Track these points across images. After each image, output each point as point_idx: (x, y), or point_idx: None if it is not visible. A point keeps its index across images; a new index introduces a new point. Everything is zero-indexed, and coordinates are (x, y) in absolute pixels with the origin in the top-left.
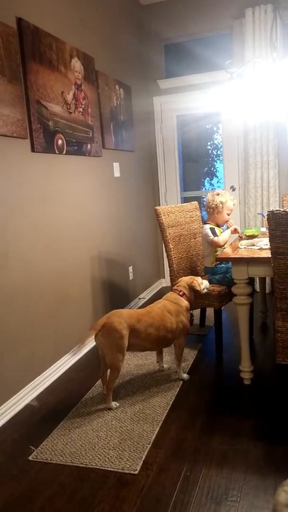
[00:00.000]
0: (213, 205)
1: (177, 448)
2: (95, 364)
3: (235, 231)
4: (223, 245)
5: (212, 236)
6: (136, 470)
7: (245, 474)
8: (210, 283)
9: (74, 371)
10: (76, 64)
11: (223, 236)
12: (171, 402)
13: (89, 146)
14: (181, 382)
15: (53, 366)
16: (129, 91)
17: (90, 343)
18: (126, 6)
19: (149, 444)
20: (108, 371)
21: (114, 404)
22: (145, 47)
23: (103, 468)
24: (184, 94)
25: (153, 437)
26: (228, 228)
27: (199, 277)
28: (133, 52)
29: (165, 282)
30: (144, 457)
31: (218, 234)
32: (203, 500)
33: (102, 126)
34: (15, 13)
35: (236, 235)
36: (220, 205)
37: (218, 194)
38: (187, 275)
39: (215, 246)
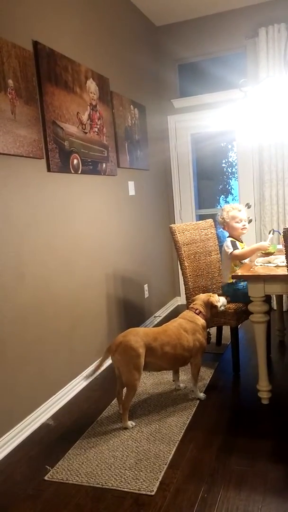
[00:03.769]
0: (221, 221)
1: (194, 469)
2: (111, 382)
3: (261, 247)
4: (242, 260)
5: (231, 249)
6: (153, 491)
7: (264, 496)
8: (227, 300)
9: (90, 389)
10: (91, 85)
11: (244, 250)
12: (188, 421)
13: (104, 165)
14: (198, 401)
15: (69, 384)
16: (143, 110)
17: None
18: (140, 27)
19: (165, 464)
20: (124, 390)
21: (130, 423)
22: (160, 67)
23: (120, 488)
24: (198, 113)
25: (170, 457)
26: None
27: (216, 295)
28: (147, 72)
29: (181, 300)
30: (160, 477)
31: (239, 248)
32: None
33: (117, 145)
34: (31, 37)
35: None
36: (226, 218)
37: (222, 209)
38: (202, 293)
39: (234, 259)
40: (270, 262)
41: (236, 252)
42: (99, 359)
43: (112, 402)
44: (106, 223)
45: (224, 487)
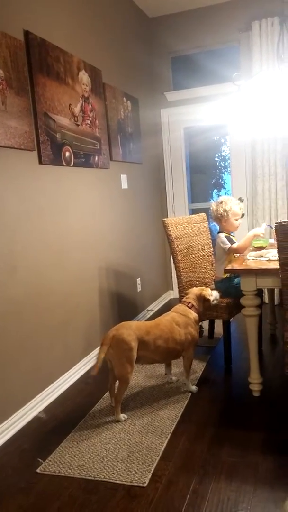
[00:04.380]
0: (218, 214)
1: (186, 461)
2: (103, 376)
3: (256, 235)
4: (243, 252)
5: (229, 244)
6: (145, 482)
7: (255, 487)
8: (220, 294)
9: (82, 383)
10: (84, 76)
11: (241, 242)
12: (180, 414)
13: (96, 158)
14: (190, 394)
15: (61, 378)
16: (136, 103)
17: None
18: (134, 19)
19: (157, 456)
20: (117, 383)
21: (122, 416)
22: (153, 59)
23: (112, 481)
24: (192, 106)
25: (162, 449)
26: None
27: (208, 288)
28: (140, 65)
29: (174, 293)
30: (153, 469)
31: (235, 241)
32: None
33: (109, 138)
34: (23, 26)
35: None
36: (225, 213)
37: (221, 202)
38: (195, 287)
39: (234, 252)
40: (262, 256)
41: (235, 245)
42: (97, 355)
43: (105, 395)
44: (98, 216)
45: (215, 478)
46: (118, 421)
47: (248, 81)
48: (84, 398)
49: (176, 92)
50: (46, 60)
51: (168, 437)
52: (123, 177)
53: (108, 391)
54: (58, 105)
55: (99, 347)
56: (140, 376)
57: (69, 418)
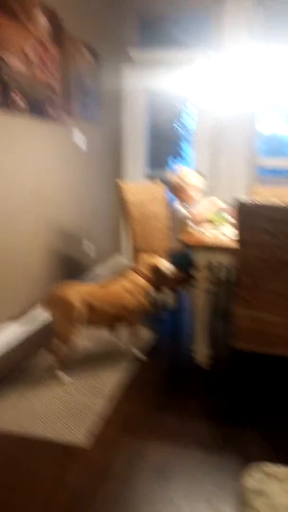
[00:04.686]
0: (177, 185)
1: (126, 423)
2: (45, 334)
3: (214, 204)
4: (200, 221)
5: (185, 212)
6: (83, 442)
7: (192, 450)
8: (173, 266)
9: (24, 339)
10: (42, 19)
11: (200, 210)
12: (125, 379)
13: (50, 109)
14: (136, 361)
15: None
16: (98, 57)
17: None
18: None
19: (98, 417)
20: (58, 342)
21: (64, 376)
22: (119, 16)
23: (49, 438)
24: (156, 70)
25: (102, 411)
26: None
27: (161, 258)
28: (105, 19)
29: (124, 258)
30: (92, 429)
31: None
32: (150, 473)
33: (66, 90)
34: None
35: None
36: (184, 184)
37: (181, 173)
38: (149, 255)
39: (190, 221)
40: (218, 231)
41: (192, 213)
42: (36, 310)
43: (47, 354)
44: (48, 173)
45: (155, 441)
46: (59, 381)
47: (217, 51)
48: (24, 355)
49: (141, 51)
50: None
51: (110, 400)
52: (79, 134)
53: (51, 351)
54: (9, 44)
55: (41, 305)
56: (87, 340)
57: (7, 374)
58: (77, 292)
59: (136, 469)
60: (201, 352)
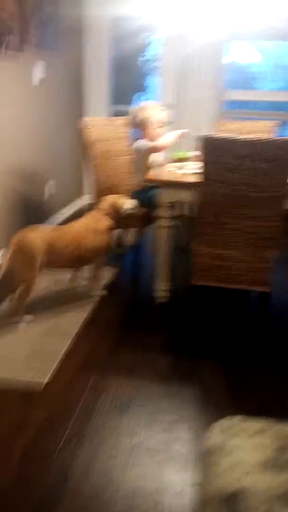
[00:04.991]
0: (139, 121)
1: (87, 361)
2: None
3: (182, 135)
4: (163, 150)
5: (147, 144)
6: (45, 380)
7: (151, 383)
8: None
9: None
10: None
11: (164, 139)
12: (86, 317)
13: (5, 38)
14: (97, 299)
15: None
16: None
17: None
18: None
19: (59, 356)
20: (21, 286)
21: (27, 317)
22: None
23: (11, 378)
24: None
25: (64, 349)
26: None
27: (124, 197)
28: None
29: (89, 199)
30: (53, 368)
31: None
32: (109, 406)
33: (22, 15)
34: None
35: None
36: (146, 120)
37: (142, 108)
38: (112, 194)
39: (153, 151)
40: (182, 168)
41: (153, 144)
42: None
43: (9, 296)
44: (5, 111)
45: (114, 376)
46: (20, 322)
47: None
48: None
49: None
50: None
51: (72, 338)
52: (38, 67)
53: (11, 292)
54: None
55: (2, 250)
56: (47, 280)
57: None
58: (38, 235)
59: (98, 404)
60: (161, 287)
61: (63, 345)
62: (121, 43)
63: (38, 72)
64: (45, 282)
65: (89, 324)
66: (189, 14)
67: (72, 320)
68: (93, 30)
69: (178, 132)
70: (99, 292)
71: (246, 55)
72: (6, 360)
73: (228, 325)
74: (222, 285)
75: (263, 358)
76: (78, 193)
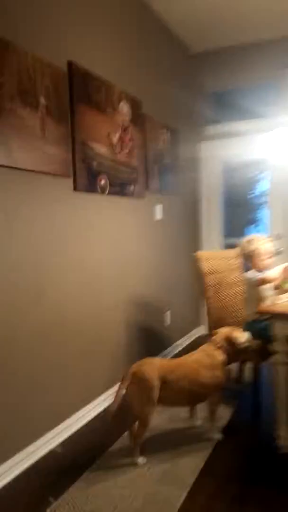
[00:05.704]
0: (246, 253)
1: None
2: (124, 413)
3: (285, 270)
4: (272, 281)
5: (256, 275)
6: None
7: None
8: (251, 336)
9: (101, 418)
10: (124, 106)
11: (271, 272)
12: (202, 464)
13: (132, 187)
14: (214, 442)
15: (80, 411)
16: (175, 135)
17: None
18: (176, 54)
19: (173, 509)
20: (137, 423)
21: (141, 459)
22: (192, 93)
23: None
24: (230, 140)
25: (180, 503)
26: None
27: (239, 329)
28: (180, 98)
29: (204, 329)
30: None
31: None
32: None
33: (146, 168)
34: (67, 57)
35: None
36: (251, 252)
37: (249, 241)
38: (226, 325)
39: (264, 283)
40: None
41: (264, 275)
42: (116, 391)
43: (124, 434)
44: (130, 246)
45: None
46: (135, 464)
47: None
48: (102, 435)
49: (215, 126)
50: (87, 90)
51: (188, 489)
52: (158, 208)
53: (127, 431)
54: (96, 134)
55: (119, 383)
56: (163, 418)
57: (85, 455)
58: (154, 368)
59: None
60: (281, 434)
61: (179, 497)
62: (233, 181)
63: (158, 212)
64: (158, 421)
65: (206, 473)
66: None
67: (188, 467)
68: (208, 172)
69: (286, 264)
70: (216, 435)
71: None
72: (118, 510)
73: None
74: None
75: None
76: (196, 323)
